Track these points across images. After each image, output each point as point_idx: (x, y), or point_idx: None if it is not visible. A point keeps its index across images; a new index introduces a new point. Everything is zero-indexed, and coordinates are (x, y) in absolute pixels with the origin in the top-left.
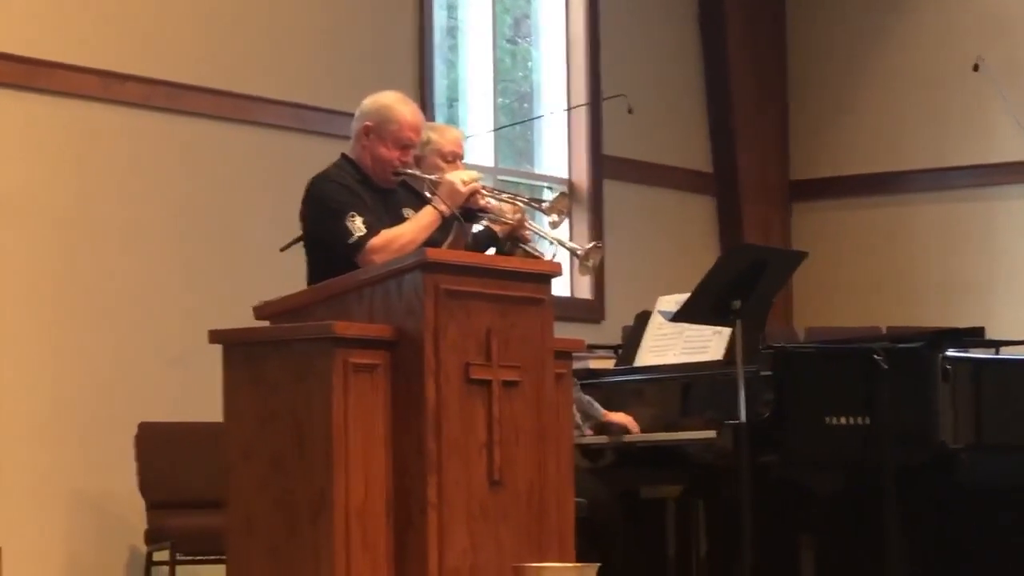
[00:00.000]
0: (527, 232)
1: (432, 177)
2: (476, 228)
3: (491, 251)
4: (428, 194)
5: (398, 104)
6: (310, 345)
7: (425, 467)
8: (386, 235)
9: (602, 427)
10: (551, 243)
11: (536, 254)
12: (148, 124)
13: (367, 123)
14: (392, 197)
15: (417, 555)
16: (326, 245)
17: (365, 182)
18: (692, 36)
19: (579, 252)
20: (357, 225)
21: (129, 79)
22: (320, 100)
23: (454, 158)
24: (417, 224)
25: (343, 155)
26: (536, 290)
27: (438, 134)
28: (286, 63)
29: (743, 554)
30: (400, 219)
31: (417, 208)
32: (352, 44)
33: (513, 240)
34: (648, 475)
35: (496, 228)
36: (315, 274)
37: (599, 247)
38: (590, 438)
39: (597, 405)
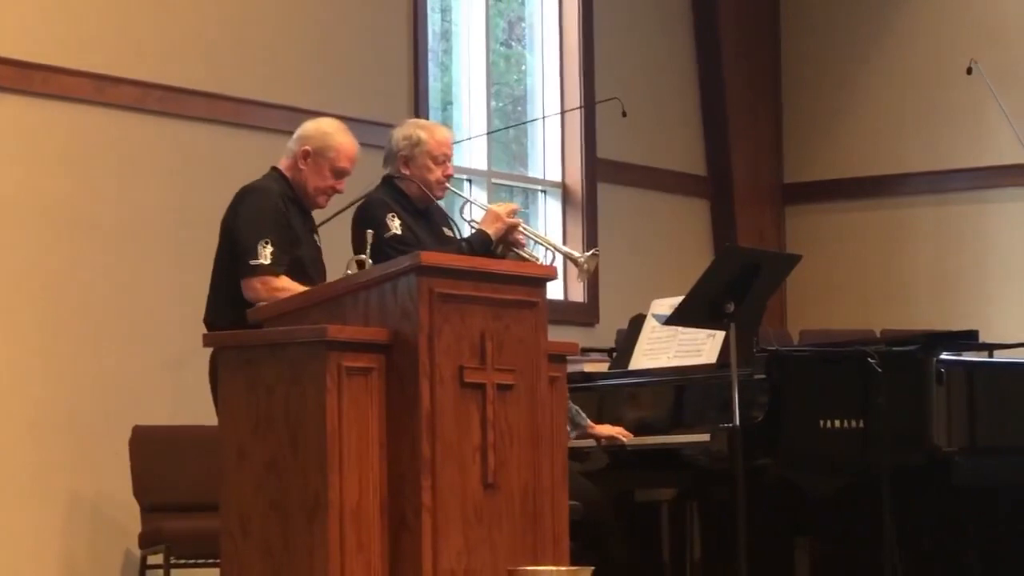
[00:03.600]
0: (520, 236)
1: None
2: (469, 231)
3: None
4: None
5: (338, 133)
6: (304, 348)
7: (419, 470)
8: (279, 283)
9: (588, 439)
10: (547, 249)
11: (530, 259)
12: (142, 127)
13: (306, 147)
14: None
15: (411, 558)
16: (232, 248)
17: (292, 199)
18: (686, 39)
19: (579, 260)
20: (264, 252)
21: (123, 82)
22: (314, 104)
23: (444, 159)
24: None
25: (275, 168)
26: (530, 293)
27: (428, 134)
28: (280, 67)
29: (738, 557)
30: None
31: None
32: (346, 48)
33: (506, 244)
34: (642, 478)
35: (490, 231)
36: (218, 278)
37: (596, 254)
38: (584, 441)
39: (584, 415)
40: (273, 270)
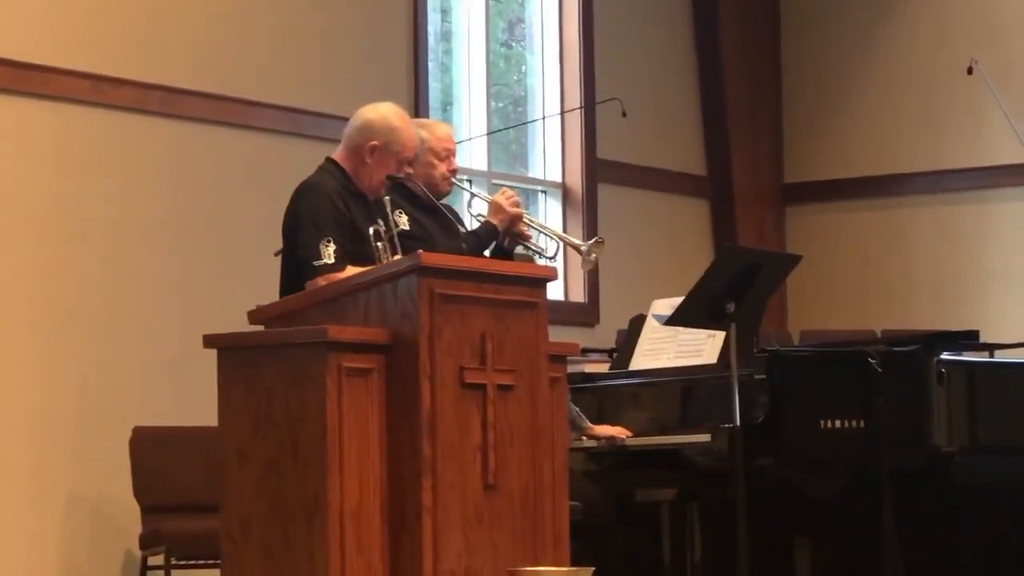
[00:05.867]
0: (526, 228)
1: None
2: (474, 223)
3: (492, 246)
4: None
5: (405, 127)
6: (304, 349)
7: (420, 470)
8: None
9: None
10: (551, 238)
11: (537, 250)
12: (142, 128)
13: (374, 142)
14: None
15: (412, 559)
16: (297, 255)
17: (351, 191)
18: (686, 39)
19: (582, 248)
20: (328, 252)
21: (123, 83)
22: (314, 104)
23: (447, 154)
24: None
25: (331, 160)
26: (530, 294)
27: (429, 131)
28: (280, 67)
29: (738, 557)
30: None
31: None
32: (346, 48)
33: (512, 236)
34: (643, 478)
35: (495, 222)
36: (287, 280)
37: (600, 241)
38: (585, 442)
39: (584, 418)
40: (338, 268)
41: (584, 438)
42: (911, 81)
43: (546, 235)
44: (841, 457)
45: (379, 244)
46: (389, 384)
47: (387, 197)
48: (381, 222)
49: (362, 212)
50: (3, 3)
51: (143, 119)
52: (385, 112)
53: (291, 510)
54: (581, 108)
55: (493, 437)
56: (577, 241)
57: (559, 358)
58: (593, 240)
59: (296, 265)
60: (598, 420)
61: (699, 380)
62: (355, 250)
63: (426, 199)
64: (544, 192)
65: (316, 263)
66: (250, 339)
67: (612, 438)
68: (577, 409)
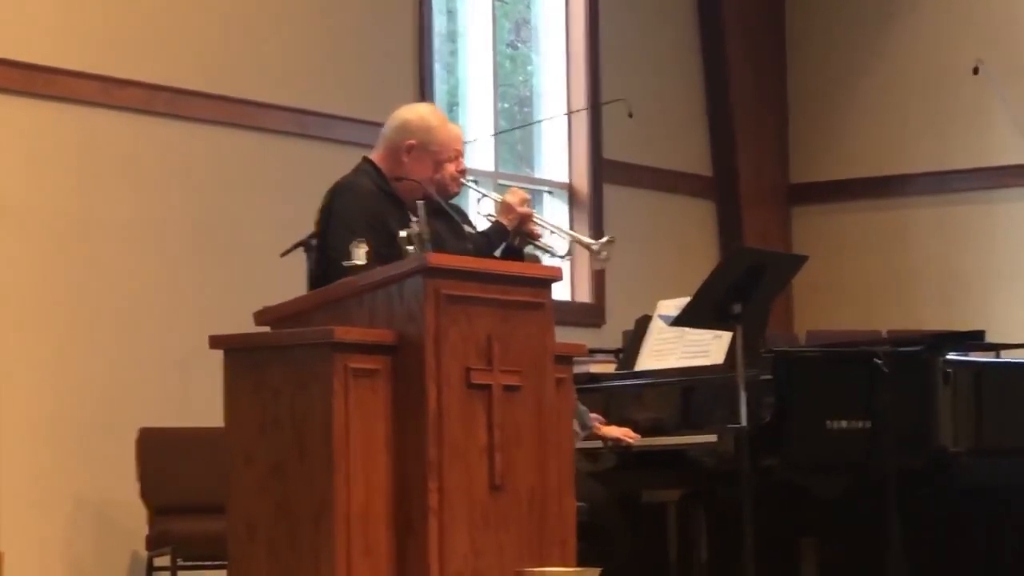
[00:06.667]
0: (536, 228)
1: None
2: (484, 224)
3: (502, 247)
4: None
5: (443, 126)
6: (311, 350)
7: (426, 472)
8: None
9: (595, 440)
10: (562, 237)
11: (548, 249)
12: (149, 129)
13: (411, 141)
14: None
15: (418, 560)
16: (328, 255)
17: (387, 192)
18: (692, 40)
19: (594, 247)
20: (359, 253)
21: (130, 84)
22: (320, 105)
23: (456, 155)
24: None
25: (367, 160)
26: (537, 294)
27: None
28: (286, 68)
29: (744, 558)
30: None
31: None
32: (352, 49)
33: (523, 236)
34: (649, 479)
35: (505, 221)
36: (315, 279)
37: (612, 240)
38: (591, 442)
39: (590, 418)
40: (368, 269)
41: (590, 439)
42: (917, 82)
43: (557, 234)
44: (847, 458)
45: (410, 248)
46: (395, 385)
47: (421, 201)
48: (414, 225)
49: (396, 214)
50: (9, 4)
51: (150, 120)
52: (423, 112)
53: (297, 511)
54: (587, 109)
55: (499, 438)
56: (588, 240)
57: (565, 359)
58: (605, 239)
59: (327, 264)
60: (604, 421)
61: (705, 381)
62: (387, 252)
63: (434, 200)
64: (550, 192)
65: (346, 264)
66: (256, 340)
67: (619, 440)
68: (584, 408)
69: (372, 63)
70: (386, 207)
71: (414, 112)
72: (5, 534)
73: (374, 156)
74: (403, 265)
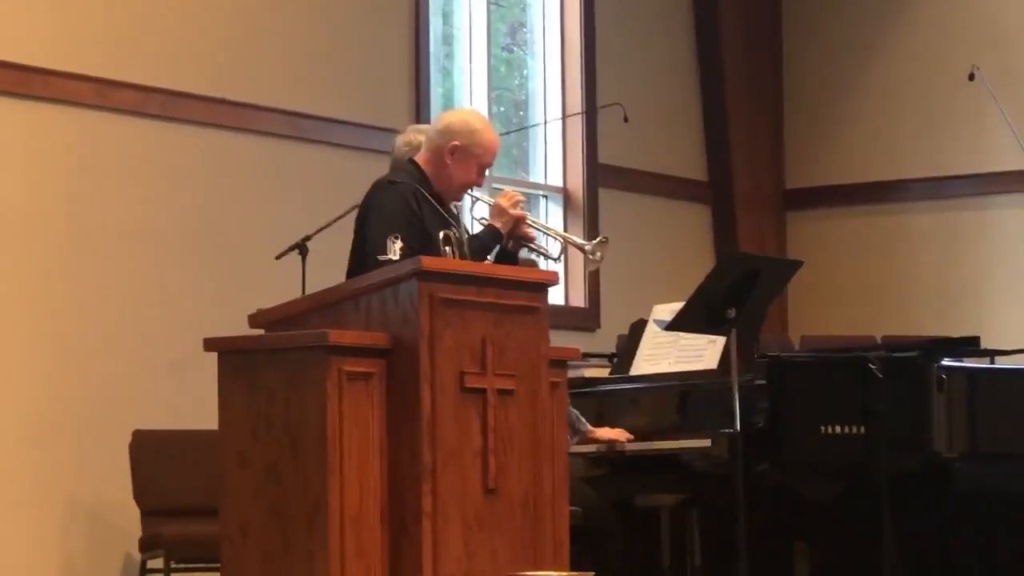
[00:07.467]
0: (530, 231)
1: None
2: (477, 227)
3: (496, 250)
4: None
5: (486, 129)
6: (305, 353)
7: (420, 475)
8: None
9: (589, 443)
10: (555, 239)
11: (541, 251)
12: (143, 131)
13: (455, 142)
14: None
15: (412, 564)
16: (364, 248)
17: (428, 195)
18: (687, 45)
19: (587, 248)
20: (394, 248)
21: (124, 86)
22: (315, 108)
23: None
24: None
25: (412, 161)
26: (531, 298)
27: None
28: (281, 71)
29: (738, 562)
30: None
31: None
32: (347, 52)
33: (516, 239)
34: (643, 483)
35: (498, 224)
36: (352, 274)
37: (605, 241)
38: (585, 447)
39: (584, 420)
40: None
41: (584, 443)
42: (912, 87)
43: (550, 236)
44: (841, 462)
45: (447, 248)
46: (389, 388)
47: (459, 203)
48: (454, 228)
49: (435, 216)
50: (4, 6)
51: (144, 122)
52: (466, 115)
53: (291, 514)
54: (583, 113)
55: (493, 442)
56: (581, 241)
57: (560, 363)
58: (597, 240)
59: (363, 257)
60: (598, 425)
61: (699, 385)
62: (422, 250)
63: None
64: (545, 197)
65: (380, 257)
66: (250, 343)
67: (613, 442)
68: (576, 412)
69: (367, 66)
70: (424, 207)
71: (458, 115)
72: None
73: (419, 158)
74: (398, 268)
